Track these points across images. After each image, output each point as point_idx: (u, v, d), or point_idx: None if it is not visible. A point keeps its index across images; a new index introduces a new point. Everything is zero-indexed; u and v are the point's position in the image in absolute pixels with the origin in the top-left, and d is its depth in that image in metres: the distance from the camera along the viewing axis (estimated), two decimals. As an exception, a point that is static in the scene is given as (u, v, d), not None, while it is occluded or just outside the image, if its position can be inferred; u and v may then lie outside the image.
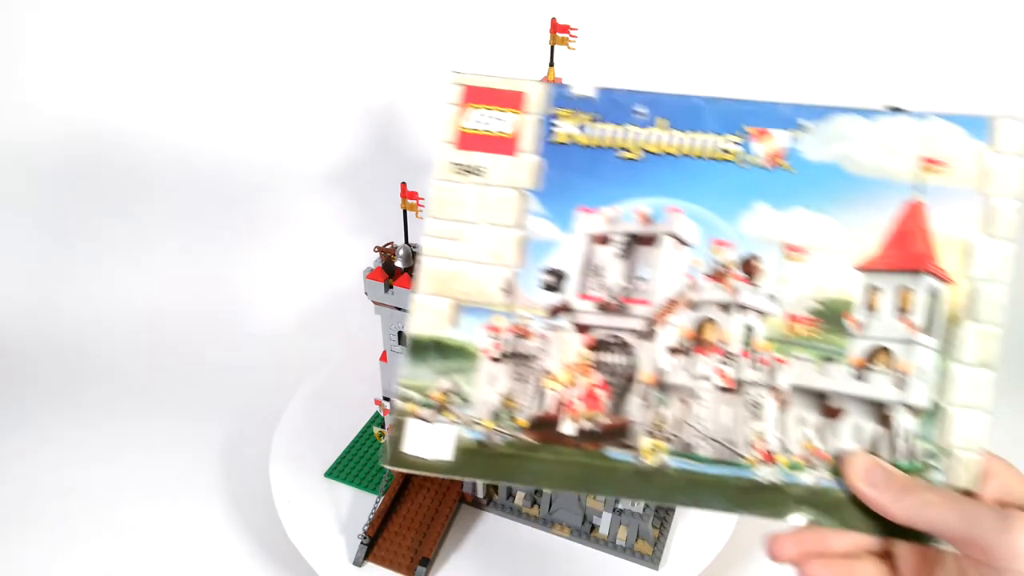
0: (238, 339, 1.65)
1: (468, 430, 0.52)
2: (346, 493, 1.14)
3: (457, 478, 0.53)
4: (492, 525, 1.11)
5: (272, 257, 1.78)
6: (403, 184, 0.96)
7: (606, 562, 1.04)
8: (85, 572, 1.13)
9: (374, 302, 1.03)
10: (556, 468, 0.51)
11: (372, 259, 1.03)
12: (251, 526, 1.21)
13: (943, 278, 0.51)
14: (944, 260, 0.51)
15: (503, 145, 0.54)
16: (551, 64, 0.90)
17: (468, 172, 0.54)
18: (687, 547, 1.06)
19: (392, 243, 1.02)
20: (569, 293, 0.54)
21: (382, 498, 1.07)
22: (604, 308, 0.54)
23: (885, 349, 0.52)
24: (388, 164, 1.70)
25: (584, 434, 0.52)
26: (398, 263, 1.01)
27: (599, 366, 0.53)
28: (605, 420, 0.52)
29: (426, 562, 1.00)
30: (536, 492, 1.08)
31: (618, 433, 0.52)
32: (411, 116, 1.71)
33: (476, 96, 0.55)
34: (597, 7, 1.33)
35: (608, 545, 1.05)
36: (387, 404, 1.12)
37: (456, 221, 0.54)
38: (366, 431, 1.28)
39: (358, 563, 1.01)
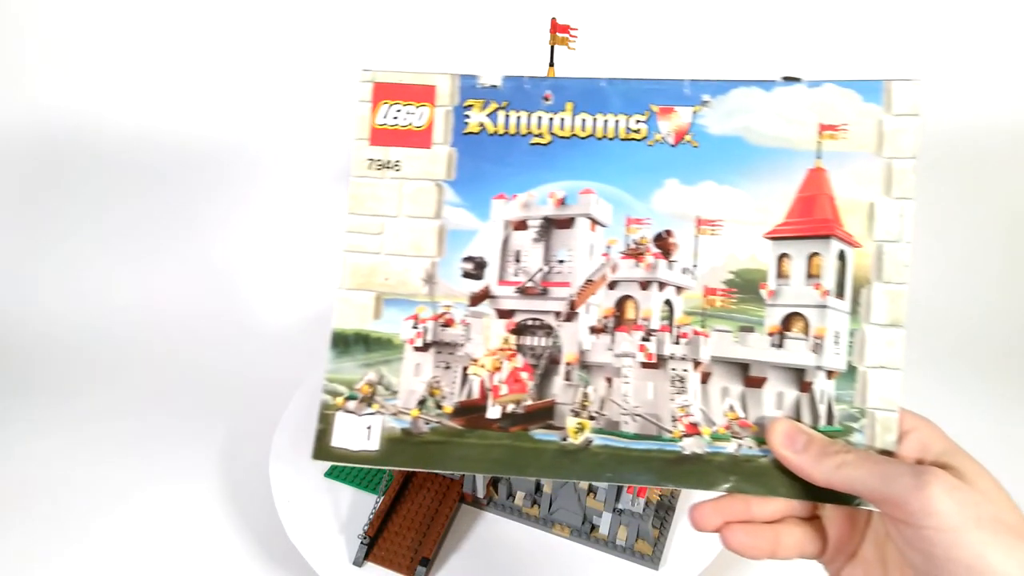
0: (239, 339, 1.67)
1: (395, 420, 0.53)
2: (346, 493, 1.15)
3: (385, 467, 0.54)
4: (492, 525, 1.10)
5: (273, 257, 1.79)
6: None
7: (606, 562, 1.04)
8: (85, 571, 1.15)
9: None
10: (482, 452, 0.52)
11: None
12: (251, 526, 1.22)
13: (849, 242, 0.51)
14: (849, 224, 0.51)
15: (417, 138, 0.55)
16: (551, 64, 0.90)
17: (385, 167, 0.55)
18: (687, 547, 1.05)
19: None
20: (490, 279, 0.55)
21: (382, 498, 1.08)
22: (525, 292, 0.55)
23: (799, 315, 0.52)
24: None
25: (510, 417, 0.53)
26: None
27: (522, 349, 0.54)
28: (530, 402, 0.53)
29: (426, 562, 1.01)
30: (536, 492, 1.08)
31: (544, 414, 0.53)
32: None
33: (387, 92, 0.56)
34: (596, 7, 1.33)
35: (608, 545, 1.04)
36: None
37: (376, 216, 0.55)
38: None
39: (358, 563, 1.01)
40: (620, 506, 1.02)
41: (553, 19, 0.85)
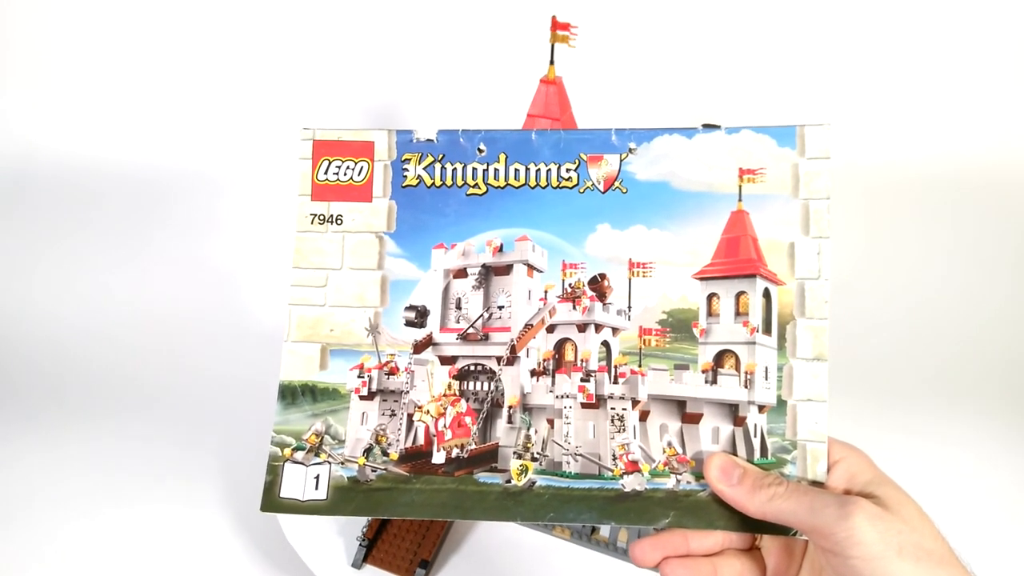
0: (237, 340, 1.65)
1: (342, 468, 0.54)
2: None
3: (333, 516, 0.55)
4: (492, 526, 1.10)
5: (271, 258, 1.79)
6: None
7: (607, 564, 1.03)
8: (84, 574, 1.14)
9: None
10: (428, 497, 0.54)
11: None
12: (250, 528, 1.21)
13: (774, 280, 0.53)
14: (773, 263, 0.53)
15: (358, 192, 0.57)
16: (551, 62, 0.90)
17: (327, 221, 0.57)
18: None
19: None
20: (432, 327, 0.57)
21: (382, 498, 1.07)
22: (466, 338, 0.57)
23: (730, 352, 0.54)
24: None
25: (455, 461, 0.54)
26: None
27: (465, 394, 0.56)
28: (474, 446, 0.55)
29: (425, 564, 1.00)
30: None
31: (488, 457, 0.54)
32: (420, 120, 1.72)
33: (327, 149, 0.58)
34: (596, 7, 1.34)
35: (609, 547, 1.03)
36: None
37: (320, 268, 0.57)
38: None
39: (357, 565, 1.01)
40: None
41: (553, 17, 0.86)
